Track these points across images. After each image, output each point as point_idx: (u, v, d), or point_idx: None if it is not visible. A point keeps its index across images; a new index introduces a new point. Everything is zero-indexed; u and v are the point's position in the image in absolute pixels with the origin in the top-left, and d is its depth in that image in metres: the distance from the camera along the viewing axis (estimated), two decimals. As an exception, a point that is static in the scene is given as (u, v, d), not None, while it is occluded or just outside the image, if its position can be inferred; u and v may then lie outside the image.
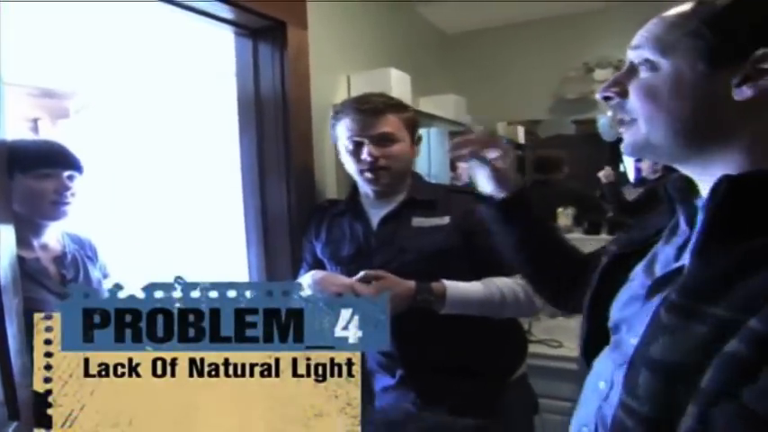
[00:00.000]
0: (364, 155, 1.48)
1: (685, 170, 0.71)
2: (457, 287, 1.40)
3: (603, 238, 2.58)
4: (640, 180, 2.83)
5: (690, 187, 0.72)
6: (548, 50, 2.88)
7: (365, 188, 1.57)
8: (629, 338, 0.71)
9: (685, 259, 0.67)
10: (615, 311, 0.79)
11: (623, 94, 0.71)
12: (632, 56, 0.71)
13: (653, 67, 0.67)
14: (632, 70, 0.70)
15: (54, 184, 1.44)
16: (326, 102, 1.89)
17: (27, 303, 1.17)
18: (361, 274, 1.39)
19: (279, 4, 1.67)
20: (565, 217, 2.76)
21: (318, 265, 1.64)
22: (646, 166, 2.73)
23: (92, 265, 1.60)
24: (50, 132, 2.94)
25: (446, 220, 1.49)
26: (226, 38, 1.81)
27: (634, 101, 0.69)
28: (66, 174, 1.47)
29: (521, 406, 1.63)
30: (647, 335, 0.62)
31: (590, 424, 0.75)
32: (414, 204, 1.52)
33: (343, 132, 1.53)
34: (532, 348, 1.96)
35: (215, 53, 2.28)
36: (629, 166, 2.90)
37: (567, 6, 2.75)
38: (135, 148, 2.82)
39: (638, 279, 0.76)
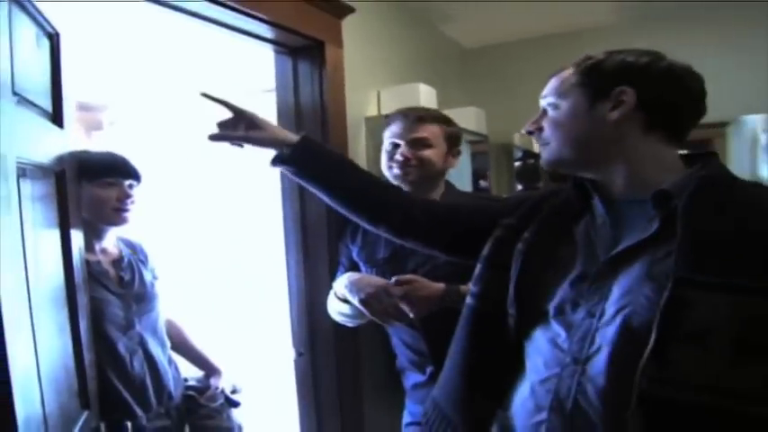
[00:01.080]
0: (397, 155, 1.61)
1: (590, 175, 0.96)
2: None
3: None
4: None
5: (596, 184, 0.96)
6: (562, 64, 2.96)
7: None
8: (584, 316, 0.87)
9: (632, 239, 0.86)
10: (560, 293, 0.92)
11: (540, 130, 1.00)
12: (543, 103, 0.99)
13: (555, 107, 0.97)
14: (544, 112, 0.99)
15: (116, 193, 1.57)
16: (359, 115, 2.02)
17: (91, 302, 1.29)
18: (394, 279, 1.48)
19: (318, 25, 1.80)
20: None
21: (354, 267, 1.73)
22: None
23: (144, 268, 1.72)
24: (85, 144, 3.05)
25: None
26: (262, 55, 1.93)
27: (546, 131, 0.98)
28: (127, 183, 1.59)
29: None
30: (665, 313, 0.74)
31: (567, 400, 0.84)
32: None
33: (387, 135, 1.67)
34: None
35: (250, 69, 2.38)
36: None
37: (580, 22, 2.86)
38: (173, 157, 2.93)
39: (579, 262, 0.92)
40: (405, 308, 1.44)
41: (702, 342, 0.72)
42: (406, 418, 1.78)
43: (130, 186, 1.60)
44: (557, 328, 0.90)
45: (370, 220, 1.23)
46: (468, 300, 1.07)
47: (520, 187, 3.29)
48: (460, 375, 1.04)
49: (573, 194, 1.00)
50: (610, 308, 0.83)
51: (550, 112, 0.98)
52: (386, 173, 1.68)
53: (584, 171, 0.97)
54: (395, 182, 1.65)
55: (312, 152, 1.21)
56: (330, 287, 1.71)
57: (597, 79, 0.92)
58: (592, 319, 0.85)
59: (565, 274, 0.92)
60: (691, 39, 2.60)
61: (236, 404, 1.81)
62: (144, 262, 1.74)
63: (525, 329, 0.96)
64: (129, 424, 1.31)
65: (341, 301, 1.61)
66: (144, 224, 1.78)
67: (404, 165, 1.61)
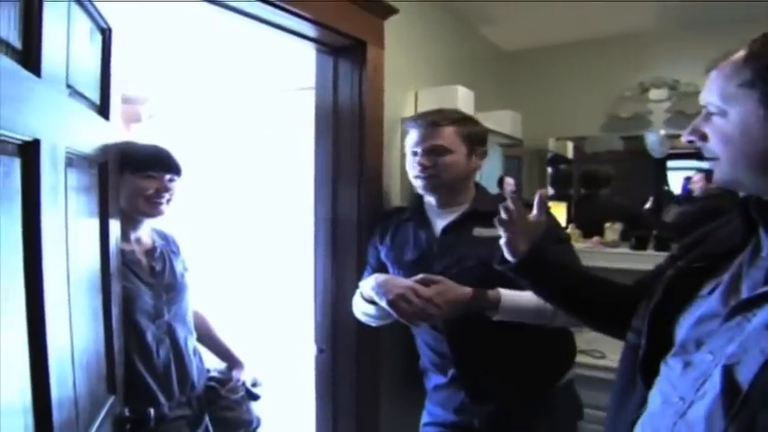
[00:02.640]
0: (415, 164, 1.61)
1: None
2: (511, 296, 1.47)
3: (650, 253, 2.60)
4: (686, 197, 2.85)
5: None
6: (602, 69, 2.94)
7: (428, 197, 1.67)
8: (705, 356, 0.76)
9: None
10: (686, 328, 0.83)
11: (704, 138, 0.81)
12: (705, 103, 0.81)
13: (722, 114, 0.77)
14: (707, 116, 0.80)
15: (155, 185, 1.59)
16: (396, 115, 2.01)
17: (122, 290, 1.32)
18: (420, 276, 1.49)
19: (360, 25, 1.80)
20: (612, 232, 2.80)
21: (381, 268, 1.74)
22: (697, 186, 2.75)
23: (175, 259, 1.74)
24: (124, 136, 3.11)
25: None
26: (298, 53, 1.94)
27: (714, 144, 0.79)
28: (167, 177, 1.62)
29: (567, 410, 1.69)
30: (766, 373, 0.64)
31: (661, 430, 0.77)
32: (476, 215, 1.59)
33: (408, 142, 1.66)
34: (577, 359, 2.01)
35: (286, 66, 2.39)
36: (675, 181, 2.92)
37: (622, 27, 2.80)
38: (208, 152, 2.97)
39: (716, 297, 0.80)
40: (432, 309, 1.44)
41: None
42: (424, 418, 1.79)
43: (170, 180, 1.63)
44: (675, 364, 0.81)
45: (581, 316, 1.24)
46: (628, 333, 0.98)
47: (552, 192, 3.25)
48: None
49: (739, 227, 0.85)
50: (728, 352, 0.72)
51: (716, 121, 0.79)
52: (413, 182, 1.68)
53: (766, 194, 0.79)
54: (421, 191, 1.66)
55: (536, 267, 1.20)
56: (356, 287, 1.72)
57: None
58: (711, 362, 0.74)
59: (699, 309, 0.83)
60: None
61: (256, 397, 1.83)
62: (176, 253, 1.77)
63: (652, 362, 0.87)
64: (152, 411, 1.33)
65: (367, 302, 1.62)
66: (177, 216, 1.80)
67: (424, 174, 1.61)
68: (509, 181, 3.10)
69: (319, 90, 1.91)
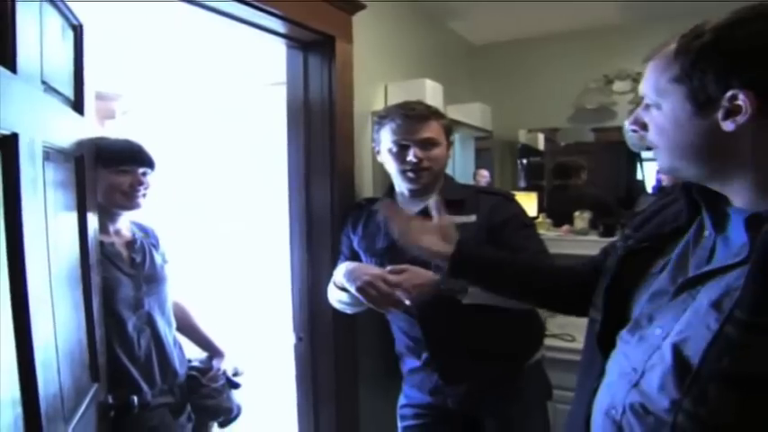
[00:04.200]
0: (410, 156, 1.61)
1: (710, 185, 0.81)
2: None
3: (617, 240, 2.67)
4: (658, 189, 2.93)
5: (714, 194, 0.81)
6: (569, 62, 3.02)
7: (402, 187, 1.70)
8: (655, 330, 0.79)
9: (717, 262, 0.76)
10: (640, 304, 0.86)
11: (644, 128, 0.84)
12: (643, 94, 0.84)
13: (657, 106, 0.80)
14: (647, 107, 0.83)
15: (130, 179, 1.63)
16: (366, 109, 2.06)
17: (103, 282, 1.35)
18: (389, 268, 1.53)
19: (329, 21, 1.84)
20: (581, 220, 2.88)
21: (354, 257, 1.78)
22: (666, 177, 2.82)
23: (155, 251, 1.78)
24: (98, 132, 3.10)
25: (473, 218, 1.61)
26: (270, 48, 1.97)
27: (652, 134, 0.83)
28: (141, 170, 1.65)
29: (536, 389, 1.76)
30: (714, 349, 0.67)
31: (618, 406, 0.81)
32: (445, 203, 1.65)
33: (387, 136, 1.66)
34: (548, 342, 2.09)
35: (259, 62, 2.42)
36: (648, 175, 3.02)
37: (587, 22, 2.88)
38: (181, 147, 2.99)
39: (666, 275, 0.84)
40: (400, 295, 1.48)
41: (747, 388, 0.65)
42: (401, 401, 1.85)
43: (144, 174, 1.66)
44: (629, 337, 0.85)
45: (537, 305, 1.30)
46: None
47: (523, 184, 3.34)
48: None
49: (684, 208, 0.88)
50: (676, 327, 0.75)
51: (653, 112, 0.81)
52: (396, 176, 1.69)
53: (704, 181, 0.81)
54: (406, 184, 1.66)
55: (467, 264, 1.21)
56: (331, 275, 1.76)
57: (700, 77, 0.72)
58: (660, 336, 0.78)
59: (651, 286, 0.86)
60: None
61: (236, 386, 1.88)
62: (155, 245, 1.80)
63: (609, 336, 0.90)
64: (135, 398, 1.37)
65: (340, 290, 1.66)
66: (155, 209, 1.83)
67: (417, 168, 1.62)
68: (483, 173, 3.17)
69: (290, 85, 1.95)
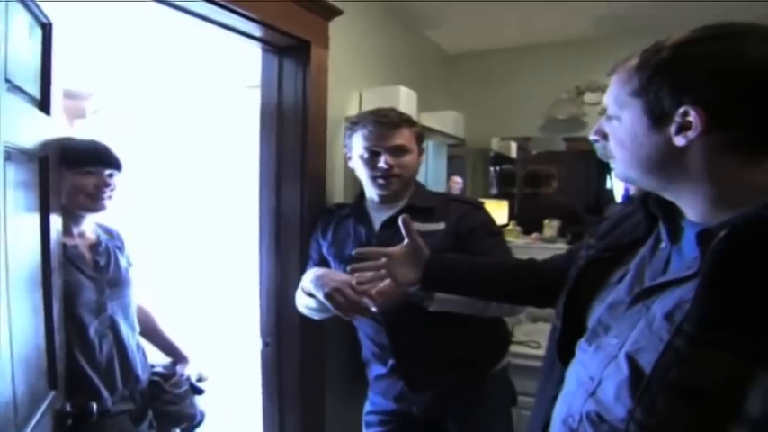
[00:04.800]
0: (381, 163, 1.61)
1: (665, 196, 0.83)
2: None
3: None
4: (627, 198, 2.99)
5: (670, 206, 0.83)
6: (542, 73, 3.07)
7: (372, 193, 1.70)
8: (611, 340, 0.81)
9: (671, 274, 0.77)
10: (598, 313, 0.88)
11: (605, 138, 0.86)
12: (606, 106, 0.85)
13: (618, 118, 0.82)
14: (609, 118, 0.84)
15: (95, 181, 1.59)
16: (340, 115, 2.06)
17: (65, 285, 1.32)
18: (357, 274, 1.49)
19: (305, 26, 1.83)
20: (550, 228, 2.92)
21: (323, 262, 1.77)
22: (633, 188, 2.86)
23: (120, 254, 1.75)
24: (67, 131, 3.04)
25: (441, 225, 1.62)
26: (249, 51, 1.95)
27: (611, 145, 0.85)
28: (107, 172, 1.62)
29: (501, 395, 1.78)
30: (663, 360, 0.69)
31: (575, 415, 0.82)
32: (413, 210, 1.63)
33: (359, 142, 1.66)
34: (514, 348, 2.10)
35: (237, 65, 2.40)
36: (617, 184, 3.07)
37: (561, 34, 2.95)
38: (153, 148, 2.94)
39: (623, 285, 0.86)
40: (367, 302, 1.47)
41: (694, 399, 0.66)
42: (366, 407, 1.85)
43: (110, 175, 1.63)
44: (586, 346, 0.87)
45: (519, 303, 1.41)
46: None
47: (495, 191, 3.38)
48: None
49: (642, 219, 0.91)
50: (631, 337, 0.77)
51: (614, 124, 0.83)
52: (366, 182, 1.68)
53: (660, 192, 0.83)
54: (376, 191, 1.66)
55: (439, 276, 1.28)
56: (300, 280, 1.74)
57: (656, 92, 0.75)
58: (616, 345, 0.79)
59: (608, 296, 0.88)
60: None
61: (200, 391, 1.85)
62: (120, 248, 1.77)
63: (568, 344, 0.92)
64: (94, 405, 1.34)
65: (307, 296, 1.65)
66: (122, 212, 1.80)
67: (388, 175, 1.62)
68: (457, 180, 3.20)
69: (264, 88, 1.94)
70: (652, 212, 0.87)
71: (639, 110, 0.77)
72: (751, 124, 0.71)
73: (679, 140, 0.73)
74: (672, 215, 0.83)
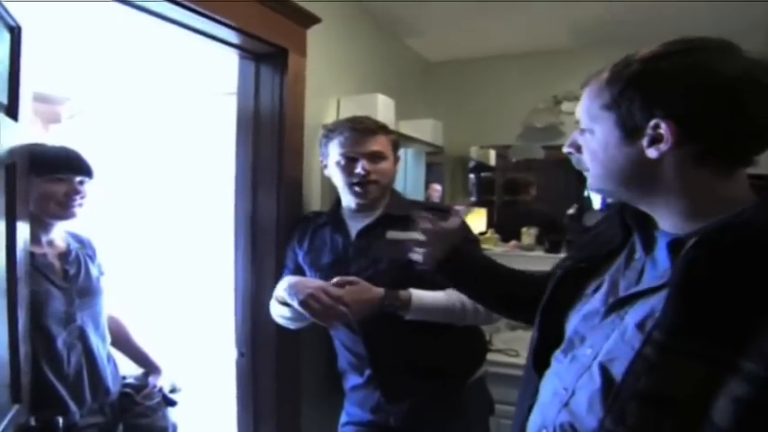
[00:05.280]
0: (358, 169, 1.61)
1: (639, 207, 0.84)
2: (421, 296, 1.53)
3: (562, 256, 2.74)
4: (606, 206, 3.02)
5: (645, 217, 0.84)
6: (520, 82, 3.10)
7: (349, 201, 1.69)
8: (586, 350, 0.82)
9: (644, 284, 0.79)
10: (574, 323, 0.89)
11: (579, 150, 0.87)
12: (578, 119, 0.86)
13: (591, 131, 0.82)
14: (582, 131, 0.85)
15: (65, 188, 1.56)
16: (317, 122, 2.04)
17: (32, 295, 1.28)
18: (336, 279, 1.53)
19: (283, 33, 1.82)
20: (528, 236, 2.94)
21: (299, 271, 1.76)
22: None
23: (91, 262, 1.71)
24: (42, 137, 2.98)
25: (418, 234, 1.63)
26: (226, 58, 1.93)
27: (585, 157, 0.85)
28: (77, 179, 1.59)
29: (478, 406, 1.77)
30: (634, 369, 0.69)
31: (549, 426, 0.83)
32: (390, 219, 1.63)
33: (335, 149, 1.65)
34: (492, 357, 2.11)
35: (216, 71, 2.38)
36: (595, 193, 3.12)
37: (539, 44, 2.98)
38: (128, 155, 2.89)
39: (599, 296, 0.86)
40: (343, 309, 1.47)
41: (663, 408, 0.66)
42: (343, 418, 1.83)
43: (81, 182, 1.60)
44: (562, 357, 0.88)
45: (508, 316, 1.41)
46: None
47: (473, 199, 3.39)
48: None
49: (617, 229, 0.91)
50: (604, 348, 0.78)
51: (587, 137, 0.84)
52: (343, 189, 1.67)
53: (634, 203, 0.85)
54: (353, 198, 1.65)
55: (458, 266, 1.25)
56: (276, 288, 1.73)
57: (628, 105, 0.75)
58: (590, 356, 0.80)
59: (584, 307, 0.88)
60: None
61: (172, 403, 1.81)
62: (92, 257, 1.73)
63: (544, 354, 0.93)
64: (60, 419, 1.30)
65: (281, 305, 1.63)
66: (95, 219, 1.76)
67: (364, 182, 1.61)
68: (436, 187, 3.20)
69: (241, 95, 1.92)
70: (627, 223, 0.88)
71: (611, 123, 0.78)
72: (721, 136, 0.72)
73: (651, 153, 0.74)
74: (646, 226, 0.84)
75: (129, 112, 2.98)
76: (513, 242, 2.98)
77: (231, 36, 1.72)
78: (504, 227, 3.14)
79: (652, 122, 0.73)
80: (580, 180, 3.14)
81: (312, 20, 1.93)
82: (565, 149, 0.91)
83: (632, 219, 0.87)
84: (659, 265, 0.79)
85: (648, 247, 0.83)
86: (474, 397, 1.75)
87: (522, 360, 2.24)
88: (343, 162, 1.64)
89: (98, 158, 1.67)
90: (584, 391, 0.78)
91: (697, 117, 0.72)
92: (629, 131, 0.76)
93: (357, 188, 1.62)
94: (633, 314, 0.76)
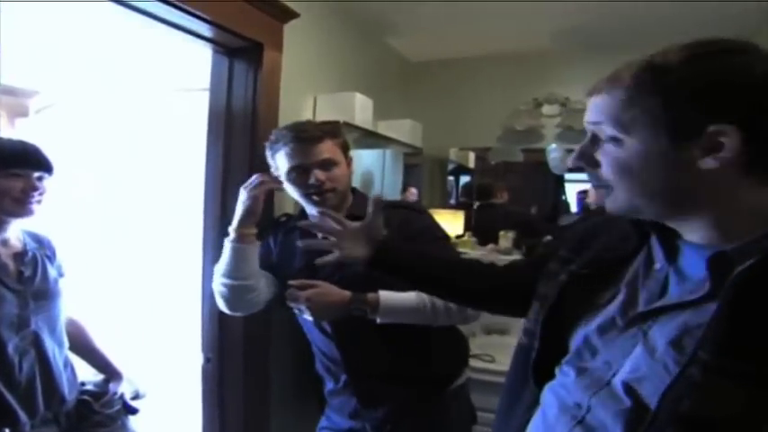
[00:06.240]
0: (312, 179, 1.54)
1: (666, 221, 0.77)
2: (390, 297, 1.49)
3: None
4: (582, 209, 3.02)
5: (664, 226, 0.77)
6: (501, 84, 3.08)
7: (310, 210, 1.63)
8: (600, 365, 0.77)
9: (671, 297, 0.73)
10: (582, 335, 0.82)
11: (594, 165, 0.77)
12: (593, 129, 0.77)
13: (617, 142, 0.73)
14: (596, 141, 0.77)
15: (22, 184, 1.48)
16: (293, 119, 1.97)
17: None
18: (297, 282, 1.49)
19: (258, 27, 1.76)
20: (506, 240, 2.92)
21: (269, 270, 1.71)
22: (592, 199, 2.88)
23: (50, 263, 1.63)
24: (7, 131, 2.88)
25: (384, 233, 1.59)
26: (198, 52, 1.87)
27: (608, 173, 0.76)
28: (36, 174, 1.50)
29: (459, 413, 1.72)
30: (674, 391, 0.65)
31: None
32: (355, 219, 1.60)
33: (283, 161, 1.57)
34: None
35: (187, 66, 2.31)
36: (572, 194, 3.11)
37: (521, 47, 2.96)
38: (96, 151, 2.80)
39: (613, 307, 0.80)
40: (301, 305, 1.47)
41: (706, 429, 0.63)
42: (322, 422, 1.79)
43: (40, 178, 1.52)
44: (568, 370, 0.82)
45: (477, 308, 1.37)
46: (520, 335, 0.98)
47: (453, 201, 3.36)
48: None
49: (630, 233, 0.84)
50: (627, 365, 0.73)
51: (610, 148, 0.75)
52: (301, 201, 1.62)
53: (662, 220, 0.77)
54: (314, 207, 1.59)
55: (389, 257, 1.18)
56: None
57: (681, 110, 0.68)
58: (608, 371, 0.75)
59: (596, 318, 0.81)
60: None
61: (133, 411, 1.73)
62: (51, 257, 1.65)
63: (545, 366, 0.87)
64: (7, 431, 1.23)
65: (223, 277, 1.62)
66: (55, 218, 1.68)
67: (321, 190, 1.56)
68: (412, 191, 3.16)
69: (213, 91, 1.86)
70: (644, 229, 0.82)
71: (654, 131, 0.70)
72: None
73: (708, 163, 0.67)
74: (667, 234, 0.78)
75: (100, 107, 2.89)
76: (490, 245, 2.95)
77: (204, 29, 1.66)
78: (482, 230, 3.11)
79: (711, 128, 0.66)
80: (558, 183, 3.16)
81: (289, 14, 1.87)
82: (571, 163, 0.81)
83: (651, 226, 0.80)
84: (688, 278, 0.74)
85: (671, 257, 0.77)
86: (455, 405, 1.70)
87: (498, 366, 2.24)
88: (294, 174, 1.57)
89: (66, 154, 1.58)
90: (603, 409, 0.73)
91: (756, 120, 0.66)
92: (681, 140, 0.69)
93: (315, 197, 1.57)
94: (661, 330, 0.71)
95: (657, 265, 0.78)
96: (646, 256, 0.81)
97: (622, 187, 0.75)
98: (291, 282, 1.50)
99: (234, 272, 1.60)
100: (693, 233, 0.74)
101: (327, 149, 1.57)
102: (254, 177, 1.61)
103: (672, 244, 0.77)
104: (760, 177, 0.68)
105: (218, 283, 1.64)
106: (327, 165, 1.57)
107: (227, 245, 1.60)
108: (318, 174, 1.55)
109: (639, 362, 0.71)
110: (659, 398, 0.65)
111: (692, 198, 0.71)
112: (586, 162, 0.78)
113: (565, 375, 0.83)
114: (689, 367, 0.64)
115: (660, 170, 0.71)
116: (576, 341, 0.83)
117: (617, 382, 0.73)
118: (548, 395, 0.85)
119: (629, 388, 0.71)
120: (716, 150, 0.66)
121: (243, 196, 1.59)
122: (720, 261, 0.67)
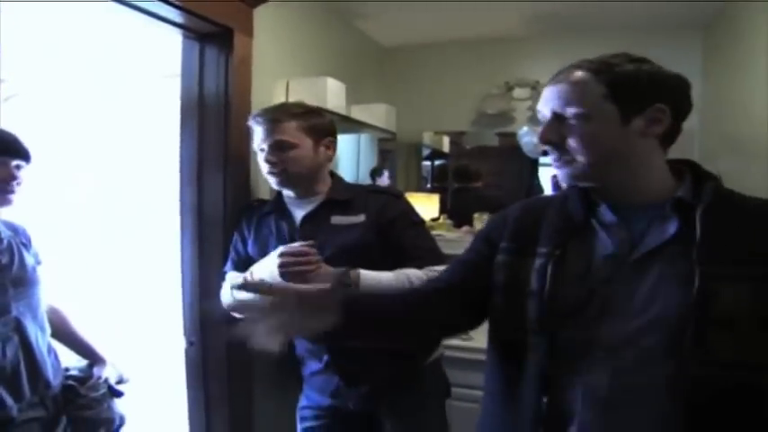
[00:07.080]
0: (263, 161, 1.64)
1: (610, 186, 0.95)
2: (370, 276, 1.53)
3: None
4: (556, 191, 3.08)
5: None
6: (474, 68, 3.13)
7: (285, 190, 1.71)
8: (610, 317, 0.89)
9: (651, 243, 0.89)
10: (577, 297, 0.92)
11: (561, 140, 0.94)
12: (558, 109, 0.93)
13: (586, 119, 0.91)
14: (562, 120, 0.93)
15: (1, 173, 1.48)
16: (265, 104, 1.98)
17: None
18: (281, 248, 1.51)
19: (228, 12, 1.78)
20: (480, 222, 2.96)
21: (245, 260, 1.73)
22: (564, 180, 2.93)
23: (26, 251, 1.62)
24: (-26, 119, 2.83)
25: (362, 217, 1.63)
26: (166, 38, 1.88)
27: (573, 145, 0.92)
28: (14, 163, 1.50)
29: (435, 387, 1.80)
30: (702, 304, 0.81)
31: (592, 382, 0.87)
32: (333, 204, 1.66)
33: (254, 141, 1.67)
34: (445, 340, 2.11)
35: (153, 52, 2.31)
36: (545, 178, 3.17)
37: (493, 31, 3.01)
38: (68, 140, 2.79)
39: (596, 270, 0.92)
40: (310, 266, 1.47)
41: (731, 326, 0.80)
42: (302, 402, 1.83)
43: (17, 167, 1.52)
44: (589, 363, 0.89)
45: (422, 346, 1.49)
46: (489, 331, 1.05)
47: (428, 185, 3.40)
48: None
49: (577, 205, 0.99)
50: (638, 303, 0.87)
51: (577, 125, 0.92)
52: (267, 178, 1.70)
53: (606, 183, 0.95)
54: (276, 186, 1.68)
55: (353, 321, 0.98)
56: (223, 277, 1.72)
57: (632, 94, 0.90)
58: (623, 316, 0.88)
59: (582, 286, 0.92)
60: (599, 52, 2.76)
61: (119, 394, 1.75)
62: (26, 245, 1.64)
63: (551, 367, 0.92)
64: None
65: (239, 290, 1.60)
66: (32, 206, 1.68)
67: (273, 170, 1.63)
68: (385, 175, 3.19)
69: (185, 77, 1.87)
70: (589, 199, 0.98)
71: (613, 108, 0.90)
72: (679, 121, 0.94)
73: (655, 129, 0.91)
74: (605, 199, 0.96)
75: (69, 94, 2.87)
76: (465, 228, 3.00)
77: (174, 15, 1.67)
78: (457, 213, 3.16)
79: (656, 105, 0.90)
80: (533, 166, 3.22)
81: (259, -2, 1.88)
82: (540, 142, 0.97)
83: (596, 194, 0.98)
84: (641, 226, 0.91)
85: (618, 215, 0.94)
86: (431, 379, 1.77)
87: (475, 343, 2.29)
88: (258, 153, 1.67)
89: (36, 143, 1.58)
90: (633, 345, 0.86)
91: (677, 103, 0.92)
92: (631, 114, 0.90)
93: (270, 177, 1.66)
94: (653, 267, 0.88)
95: (609, 225, 0.95)
96: (595, 222, 0.97)
97: (585, 156, 0.92)
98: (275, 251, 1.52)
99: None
100: (628, 193, 0.94)
101: (284, 132, 1.61)
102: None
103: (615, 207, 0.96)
104: (665, 147, 0.95)
105: (231, 296, 1.63)
106: (282, 147, 1.61)
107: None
108: (269, 155, 1.62)
109: (649, 297, 0.87)
110: (694, 313, 0.81)
111: (633, 161, 0.93)
112: (557, 137, 0.94)
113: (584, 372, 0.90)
114: (703, 282, 0.81)
115: (615, 139, 0.91)
116: (578, 333, 0.91)
117: (637, 319, 0.86)
118: (571, 394, 0.90)
119: (653, 319, 0.85)
120: (656, 123, 0.91)
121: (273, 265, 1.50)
122: (680, 203, 0.89)
